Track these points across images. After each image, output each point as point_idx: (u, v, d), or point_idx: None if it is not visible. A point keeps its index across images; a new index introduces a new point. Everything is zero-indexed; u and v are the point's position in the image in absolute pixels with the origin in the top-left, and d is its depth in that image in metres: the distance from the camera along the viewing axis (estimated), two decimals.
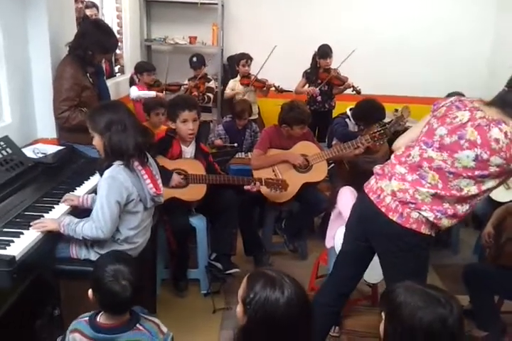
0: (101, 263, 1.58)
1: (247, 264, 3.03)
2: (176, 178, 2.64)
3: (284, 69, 4.58)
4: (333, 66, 4.52)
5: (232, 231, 2.83)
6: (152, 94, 4.09)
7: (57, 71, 2.78)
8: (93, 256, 1.95)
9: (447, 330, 1.18)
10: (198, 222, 2.74)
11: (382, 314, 1.31)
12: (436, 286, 1.29)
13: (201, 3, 5.09)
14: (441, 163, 1.70)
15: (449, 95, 3.45)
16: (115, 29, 4.76)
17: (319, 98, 4.58)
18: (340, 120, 3.70)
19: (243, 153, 3.85)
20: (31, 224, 1.85)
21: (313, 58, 4.56)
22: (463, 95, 3.40)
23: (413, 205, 1.71)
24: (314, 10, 5.29)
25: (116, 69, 4.74)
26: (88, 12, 4.22)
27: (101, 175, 1.93)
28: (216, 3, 5.14)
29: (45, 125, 2.87)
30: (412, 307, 1.20)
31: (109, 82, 4.18)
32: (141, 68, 4.28)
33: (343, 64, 4.46)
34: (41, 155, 2.48)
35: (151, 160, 2.04)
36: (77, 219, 1.92)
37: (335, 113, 4.46)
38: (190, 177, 2.69)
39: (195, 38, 5.22)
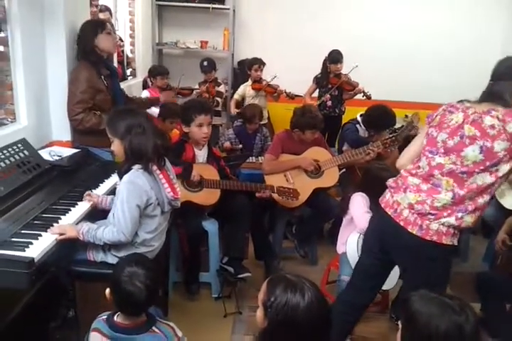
0: (120, 265, 1.61)
1: (258, 269, 3.03)
2: (195, 170, 2.68)
3: (294, 74, 4.60)
4: (343, 71, 4.54)
5: (244, 235, 2.84)
6: (156, 111, 4.04)
7: (72, 74, 2.82)
8: (110, 259, 1.97)
9: (464, 338, 1.19)
10: (211, 225, 2.75)
11: (399, 323, 1.33)
12: (451, 294, 1.30)
13: (213, 8, 5.13)
14: (451, 166, 1.71)
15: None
16: (127, 33, 4.82)
17: (329, 103, 4.59)
18: (351, 126, 3.71)
19: (253, 157, 3.86)
20: (48, 231, 1.86)
21: (324, 63, 4.57)
22: None
23: (433, 216, 1.71)
24: (326, 16, 5.32)
25: (128, 72, 4.78)
26: (101, 16, 4.25)
27: (120, 178, 1.95)
28: (228, 8, 5.18)
29: (60, 128, 2.91)
30: (427, 316, 1.21)
31: (121, 85, 4.21)
32: (155, 71, 4.31)
33: (353, 69, 4.47)
34: (57, 158, 2.51)
35: (168, 164, 2.06)
36: (95, 225, 1.95)
37: (345, 118, 4.48)
38: (204, 181, 2.71)
39: (207, 42, 5.26)
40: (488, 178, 1.68)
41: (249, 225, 2.91)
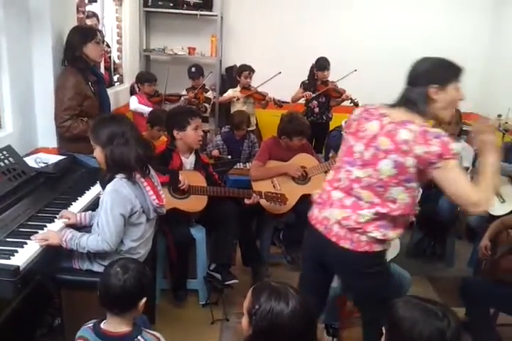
0: (110, 264, 1.62)
1: (245, 275, 3.04)
2: (182, 177, 2.67)
3: (282, 80, 4.62)
4: (331, 78, 4.58)
5: (231, 242, 2.84)
6: (148, 110, 4.07)
7: (59, 81, 2.81)
8: (96, 267, 1.96)
9: None
10: (198, 232, 2.75)
11: (383, 328, 1.34)
12: (434, 300, 1.32)
13: (200, 15, 5.15)
14: (369, 180, 1.70)
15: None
16: (115, 39, 4.81)
17: (317, 110, 4.63)
18: (337, 133, 3.75)
19: (241, 163, 3.87)
20: (31, 238, 1.84)
21: (311, 70, 4.62)
22: (458, 109, 3.46)
23: (360, 230, 1.72)
24: (313, 21, 5.35)
25: (115, 78, 4.77)
26: (88, 22, 4.25)
27: (103, 187, 1.94)
28: (215, 15, 5.20)
29: (46, 134, 2.89)
30: (410, 322, 1.23)
31: (108, 92, 4.18)
32: (142, 78, 4.31)
33: (339, 74, 4.51)
34: (43, 165, 2.49)
35: (152, 172, 2.05)
36: (79, 233, 1.93)
37: (332, 125, 4.51)
38: (191, 188, 2.71)
39: (194, 48, 5.28)
40: (403, 195, 1.69)
41: (237, 231, 2.92)
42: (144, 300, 1.57)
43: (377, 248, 1.75)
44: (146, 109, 4.05)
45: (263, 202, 2.92)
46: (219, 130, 4.56)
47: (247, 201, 2.83)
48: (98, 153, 1.95)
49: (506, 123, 4.18)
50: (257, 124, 4.90)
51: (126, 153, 1.88)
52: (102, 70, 4.20)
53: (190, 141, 2.73)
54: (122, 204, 1.88)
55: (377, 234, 1.71)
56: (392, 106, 1.76)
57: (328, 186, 1.84)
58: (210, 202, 2.74)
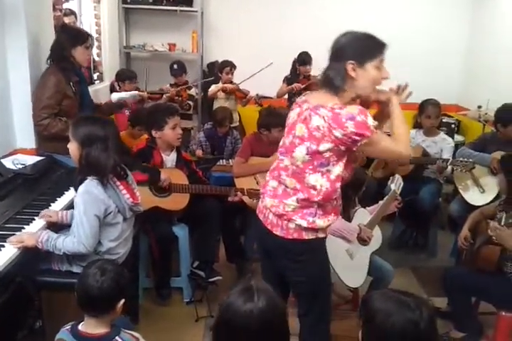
0: (87, 266, 1.61)
1: (229, 271, 3.05)
2: (164, 175, 2.64)
3: (264, 75, 4.61)
4: (313, 72, 4.57)
5: (214, 239, 2.85)
6: (135, 93, 3.99)
7: (41, 80, 2.78)
8: (75, 268, 1.95)
9: (419, 334, 1.22)
10: (180, 230, 2.75)
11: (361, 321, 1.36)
12: (408, 292, 1.33)
13: (180, 11, 5.11)
14: (292, 167, 1.72)
15: (424, 102, 3.54)
16: (94, 36, 4.75)
17: None
18: None
19: (224, 160, 3.86)
20: (7, 241, 1.83)
21: (293, 65, 4.62)
22: (438, 103, 3.50)
23: (285, 217, 1.73)
24: (295, 16, 5.33)
25: (95, 76, 4.71)
26: (66, 20, 4.19)
27: (75, 189, 1.92)
28: (196, 11, 5.16)
29: (24, 135, 2.85)
30: (384, 314, 1.24)
31: (89, 90, 4.17)
32: (123, 75, 4.25)
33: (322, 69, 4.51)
34: (21, 166, 2.46)
35: (128, 173, 2.03)
36: (56, 235, 1.92)
37: None
38: (172, 186, 2.70)
39: (175, 44, 5.24)
40: (322, 181, 1.68)
41: (220, 228, 2.92)
42: (122, 301, 1.56)
43: (307, 235, 1.74)
44: (133, 93, 3.87)
45: (246, 198, 2.92)
46: (202, 127, 4.54)
47: (230, 199, 2.83)
48: (73, 148, 1.92)
49: (486, 114, 4.21)
50: (240, 120, 4.89)
51: (104, 159, 1.86)
52: (82, 69, 4.16)
53: (169, 139, 2.72)
54: (95, 205, 1.86)
55: (303, 222, 1.71)
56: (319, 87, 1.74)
57: (268, 176, 1.87)
58: (191, 199, 2.74)
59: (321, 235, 1.78)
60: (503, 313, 2.44)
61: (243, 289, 1.29)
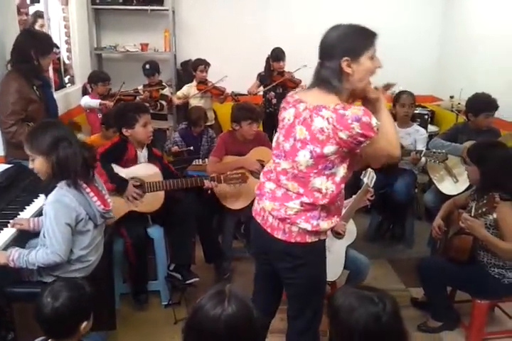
0: (41, 292, 1.53)
1: (208, 271, 3.04)
2: (131, 189, 2.61)
3: (238, 72, 4.60)
4: (291, 68, 4.57)
5: (190, 242, 2.83)
6: (96, 103, 4.00)
7: (2, 86, 2.74)
8: (46, 278, 1.92)
9: (382, 328, 1.23)
10: (155, 232, 2.73)
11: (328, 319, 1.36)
12: (371, 286, 1.34)
13: (151, 10, 5.06)
14: (293, 171, 1.67)
15: (399, 93, 3.57)
16: (63, 39, 4.68)
17: (274, 101, 4.63)
18: None
19: (200, 159, 3.85)
20: None
21: (267, 61, 4.61)
22: (411, 93, 3.52)
23: (289, 220, 1.70)
24: (267, 13, 5.31)
25: (66, 79, 4.65)
26: (39, 22, 4.12)
27: (47, 196, 1.90)
28: (167, 9, 5.11)
29: None
30: (348, 309, 1.25)
31: (59, 93, 4.12)
32: (95, 78, 4.21)
33: (302, 68, 4.50)
34: None
35: (96, 176, 2.02)
36: (26, 250, 1.89)
37: None
38: (146, 185, 2.67)
39: (147, 44, 5.18)
40: (328, 184, 1.65)
41: (196, 230, 2.91)
42: (84, 323, 1.50)
43: (309, 239, 1.72)
44: (95, 102, 3.99)
45: (218, 191, 2.88)
46: (178, 126, 4.51)
47: (205, 185, 2.79)
48: (39, 163, 1.87)
49: (459, 104, 4.26)
50: (216, 118, 4.87)
51: (72, 156, 1.83)
52: (51, 72, 4.10)
53: (141, 137, 2.70)
54: (67, 213, 1.84)
55: (307, 226, 1.68)
56: (309, 87, 1.70)
57: (263, 177, 1.83)
58: (166, 201, 2.71)
59: (322, 237, 1.76)
60: (478, 301, 2.48)
61: (215, 293, 1.28)
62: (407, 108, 3.46)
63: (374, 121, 1.56)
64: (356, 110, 1.55)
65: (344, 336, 1.28)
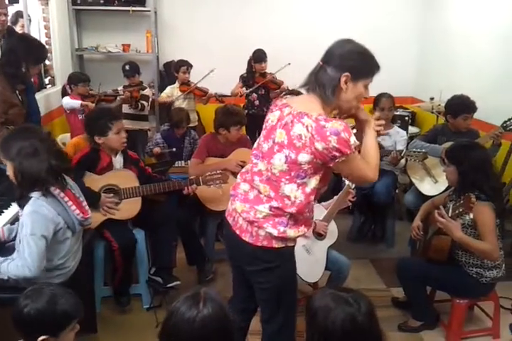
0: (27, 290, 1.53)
1: (190, 274, 3.03)
2: (104, 201, 2.56)
3: (221, 74, 4.59)
4: (272, 70, 4.59)
5: (170, 245, 2.81)
6: (77, 103, 3.98)
7: None
8: (22, 283, 1.89)
9: (358, 328, 1.25)
10: (137, 236, 2.70)
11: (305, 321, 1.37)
12: (347, 287, 1.36)
13: (133, 11, 5.03)
14: (267, 173, 1.67)
15: (379, 95, 3.59)
16: (43, 40, 4.62)
17: (257, 102, 4.64)
18: None
19: (183, 161, 3.84)
20: None
21: (249, 63, 4.62)
22: (391, 96, 3.55)
23: (256, 223, 1.69)
24: (250, 15, 5.31)
25: (47, 80, 4.59)
26: (20, 23, 4.07)
27: (20, 207, 1.86)
28: (149, 10, 5.09)
29: None
30: (324, 311, 1.27)
31: (40, 95, 4.07)
32: (75, 79, 4.17)
33: (286, 67, 4.52)
34: None
35: (71, 182, 1.99)
36: (2, 258, 1.87)
37: None
38: (121, 192, 2.64)
39: (129, 45, 5.15)
40: (297, 193, 1.65)
41: (178, 232, 2.90)
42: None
43: (276, 244, 1.70)
44: (76, 103, 3.97)
45: (202, 194, 2.86)
46: (160, 128, 4.49)
47: (184, 192, 2.77)
48: (9, 168, 1.85)
49: (439, 105, 4.32)
50: (199, 120, 4.86)
51: (36, 164, 1.80)
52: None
53: (114, 144, 2.66)
54: (44, 225, 1.81)
55: (274, 231, 1.68)
56: (301, 87, 1.71)
57: (240, 178, 1.83)
58: (147, 205, 2.69)
59: (290, 244, 1.75)
60: (457, 301, 2.52)
61: (190, 296, 1.29)
62: (387, 111, 3.47)
63: (353, 139, 1.56)
64: (337, 124, 1.55)
65: (321, 337, 1.29)
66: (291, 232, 1.71)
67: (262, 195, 1.70)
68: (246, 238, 1.72)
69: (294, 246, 1.79)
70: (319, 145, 1.55)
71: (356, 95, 1.65)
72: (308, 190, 1.66)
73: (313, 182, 1.66)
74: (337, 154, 1.57)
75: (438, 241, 2.49)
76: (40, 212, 1.80)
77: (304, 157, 1.58)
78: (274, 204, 1.67)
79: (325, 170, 1.67)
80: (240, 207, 1.74)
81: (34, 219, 1.80)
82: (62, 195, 1.88)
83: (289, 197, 1.66)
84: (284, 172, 1.63)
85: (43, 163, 1.81)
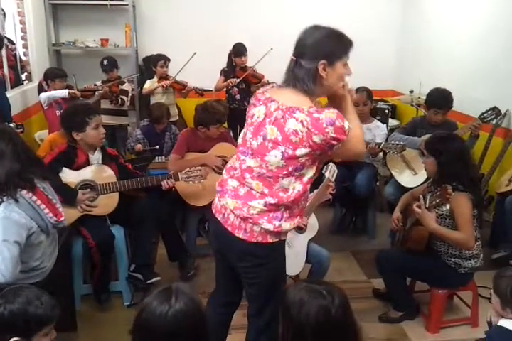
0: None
1: (172, 270, 3.02)
2: (81, 198, 2.53)
3: (202, 68, 4.56)
4: (250, 63, 4.56)
5: (149, 241, 2.79)
6: (63, 92, 3.92)
7: None
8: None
9: (332, 320, 1.25)
10: (116, 232, 2.68)
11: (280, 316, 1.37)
12: (320, 280, 1.36)
13: (111, 5, 4.96)
14: (259, 170, 1.66)
15: (357, 89, 3.59)
16: (19, 35, 4.53)
17: (238, 96, 4.62)
18: None
19: (163, 157, 3.81)
20: None
21: (229, 57, 4.59)
22: (366, 89, 3.54)
23: (251, 220, 1.68)
24: (229, 8, 5.28)
25: (23, 76, 4.50)
26: None
27: None
28: (127, 4, 5.03)
29: None
30: (298, 304, 1.26)
31: (16, 91, 4.01)
32: (51, 74, 4.09)
33: (260, 62, 4.50)
34: None
35: (43, 184, 1.93)
36: None
37: None
38: (98, 187, 2.61)
39: (107, 40, 5.09)
40: (296, 185, 1.65)
41: (159, 228, 2.88)
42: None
43: (270, 239, 1.71)
44: (62, 92, 3.89)
45: (181, 191, 2.84)
46: (140, 123, 4.44)
47: (163, 187, 2.74)
48: None
49: (419, 98, 4.35)
50: (180, 114, 4.83)
51: None
52: (6, 69, 3.97)
53: (92, 140, 2.62)
54: (16, 231, 1.76)
55: (270, 226, 1.68)
56: (281, 85, 1.68)
57: (226, 174, 1.81)
58: (125, 201, 2.66)
59: (283, 237, 1.75)
60: (436, 291, 2.55)
61: (162, 291, 1.27)
62: (361, 106, 3.42)
63: (346, 124, 1.58)
64: (330, 113, 1.55)
65: (295, 330, 1.29)
66: (286, 225, 1.71)
67: (254, 192, 1.68)
68: (240, 235, 1.71)
69: (285, 240, 1.79)
70: (317, 138, 1.55)
71: (338, 77, 1.65)
72: (305, 179, 1.67)
73: (311, 172, 1.67)
74: (335, 142, 1.58)
75: (416, 232, 2.52)
76: (12, 218, 1.76)
77: (301, 151, 1.58)
78: (270, 200, 1.66)
79: (321, 158, 1.68)
80: (231, 203, 1.72)
81: (5, 225, 1.75)
82: (34, 198, 1.83)
83: (286, 190, 1.66)
84: (282, 168, 1.63)
85: (3, 167, 1.76)
